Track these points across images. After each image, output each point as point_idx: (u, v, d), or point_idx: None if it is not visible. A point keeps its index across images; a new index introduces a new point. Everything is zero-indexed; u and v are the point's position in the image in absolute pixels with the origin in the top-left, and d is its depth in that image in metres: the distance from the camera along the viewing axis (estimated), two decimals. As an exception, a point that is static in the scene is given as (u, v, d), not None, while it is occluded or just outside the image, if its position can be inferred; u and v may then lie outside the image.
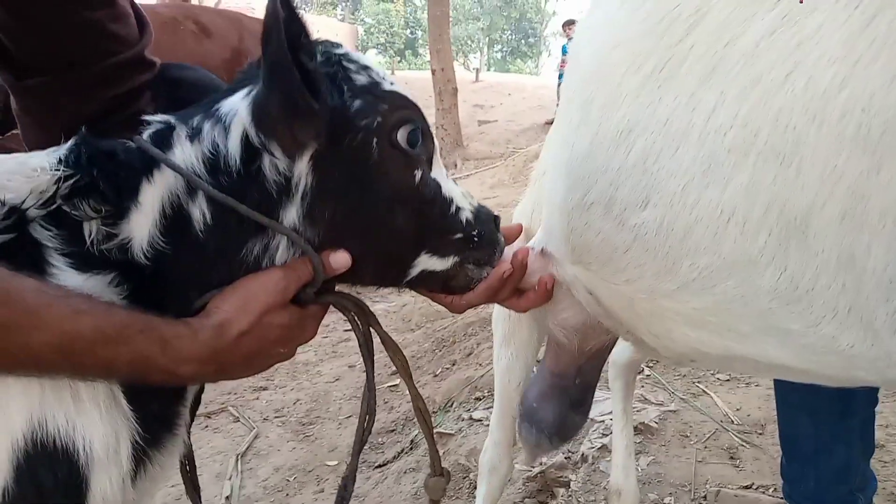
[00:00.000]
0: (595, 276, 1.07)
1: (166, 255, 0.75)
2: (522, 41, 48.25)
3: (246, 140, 0.76)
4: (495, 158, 10.53)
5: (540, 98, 15.60)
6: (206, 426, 3.18)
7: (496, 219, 0.99)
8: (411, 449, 2.74)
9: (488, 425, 1.66)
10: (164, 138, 0.78)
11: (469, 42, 47.60)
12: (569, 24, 12.27)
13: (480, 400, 2.87)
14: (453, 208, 0.90)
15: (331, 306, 0.90)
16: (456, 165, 10.65)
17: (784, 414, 1.55)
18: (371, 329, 0.95)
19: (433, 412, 3.01)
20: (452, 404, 2.97)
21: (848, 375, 0.85)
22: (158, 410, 0.78)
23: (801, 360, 0.88)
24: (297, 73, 0.72)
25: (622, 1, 1.05)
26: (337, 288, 0.91)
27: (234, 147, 0.76)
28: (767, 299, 0.84)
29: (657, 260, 0.94)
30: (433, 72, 10.79)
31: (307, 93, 0.74)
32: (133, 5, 1.02)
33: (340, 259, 0.81)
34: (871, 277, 0.72)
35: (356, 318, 0.93)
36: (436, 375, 3.35)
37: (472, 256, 0.94)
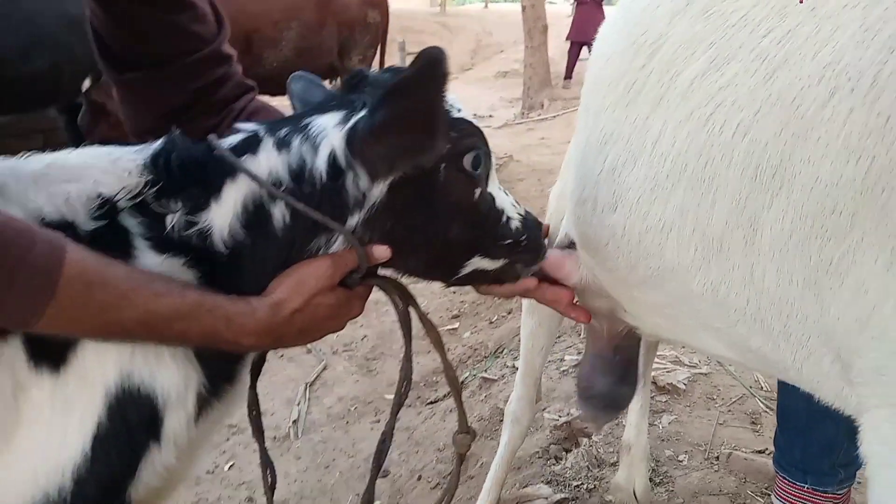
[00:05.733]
0: (592, 260, 1.21)
1: (244, 245, 0.86)
2: (628, -31, 45.52)
3: (333, 160, 0.87)
4: (584, 100, 10.28)
5: (638, 35, 14.85)
6: (282, 355, 3.51)
7: (540, 226, 1.10)
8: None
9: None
10: (250, 145, 0.89)
11: (571, -29, 45.46)
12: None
13: (528, 349, 3.04)
14: (504, 218, 1.01)
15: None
16: (543, 105, 10.51)
17: (783, 385, 1.64)
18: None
19: (484, 357, 3.22)
20: (503, 351, 3.16)
21: (767, 370, 0.98)
22: (220, 369, 0.94)
23: (731, 352, 1.01)
24: (449, 132, 0.88)
25: (621, 14, 1.14)
26: (385, 273, 1.04)
27: (321, 164, 0.87)
28: (699, 301, 0.97)
29: (625, 257, 1.07)
30: (523, 8, 10.58)
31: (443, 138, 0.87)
32: (211, 4, 1.16)
33: (381, 252, 0.93)
34: (767, 295, 0.84)
35: (396, 300, 1.07)
36: (491, 322, 3.54)
37: (519, 258, 1.06)
